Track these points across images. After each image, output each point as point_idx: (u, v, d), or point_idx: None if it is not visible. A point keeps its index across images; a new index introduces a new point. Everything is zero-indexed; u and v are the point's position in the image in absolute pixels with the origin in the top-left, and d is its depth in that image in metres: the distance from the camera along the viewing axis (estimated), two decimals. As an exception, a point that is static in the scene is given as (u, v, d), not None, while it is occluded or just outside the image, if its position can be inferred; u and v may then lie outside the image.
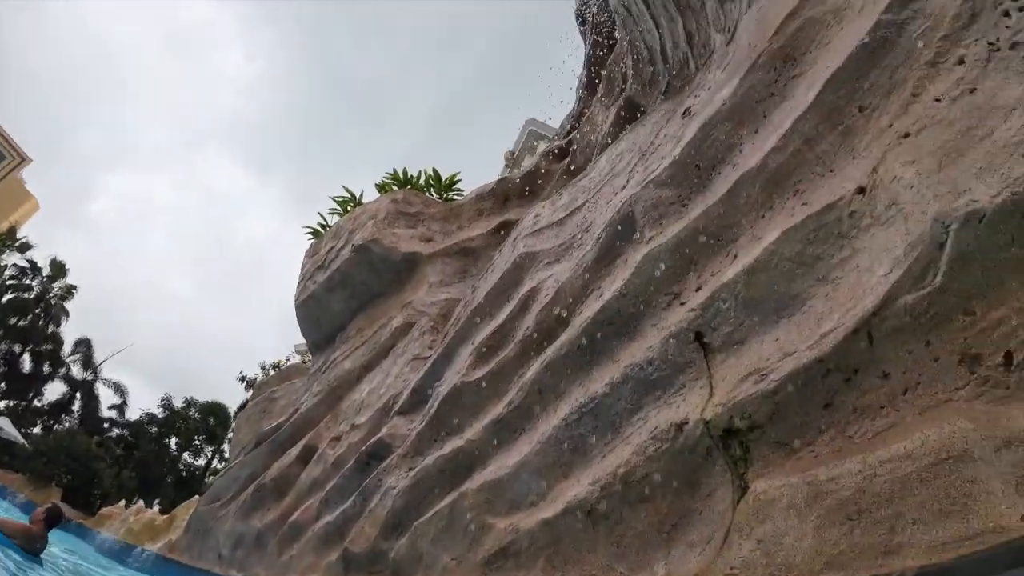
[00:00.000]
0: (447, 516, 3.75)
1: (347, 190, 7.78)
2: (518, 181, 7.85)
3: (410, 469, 4.47)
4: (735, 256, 2.65)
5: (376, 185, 7.82)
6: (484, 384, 4.01)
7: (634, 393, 2.66)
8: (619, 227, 3.37)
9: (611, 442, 2.70)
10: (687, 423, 2.29)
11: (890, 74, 2.56)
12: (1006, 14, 2.20)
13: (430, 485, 4.07)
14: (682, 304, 2.71)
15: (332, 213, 7.85)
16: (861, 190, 2.35)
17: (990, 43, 2.21)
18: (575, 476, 2.80)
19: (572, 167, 7.35)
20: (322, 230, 7.85)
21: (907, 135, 2.33)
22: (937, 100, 2.29)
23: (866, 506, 1.68)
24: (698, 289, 2.69)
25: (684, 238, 2.88)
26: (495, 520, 3.28)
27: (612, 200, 4.02)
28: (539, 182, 7.61)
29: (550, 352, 3.32)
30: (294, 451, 6.54)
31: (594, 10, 7.68)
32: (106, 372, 31.63)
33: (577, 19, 8.89)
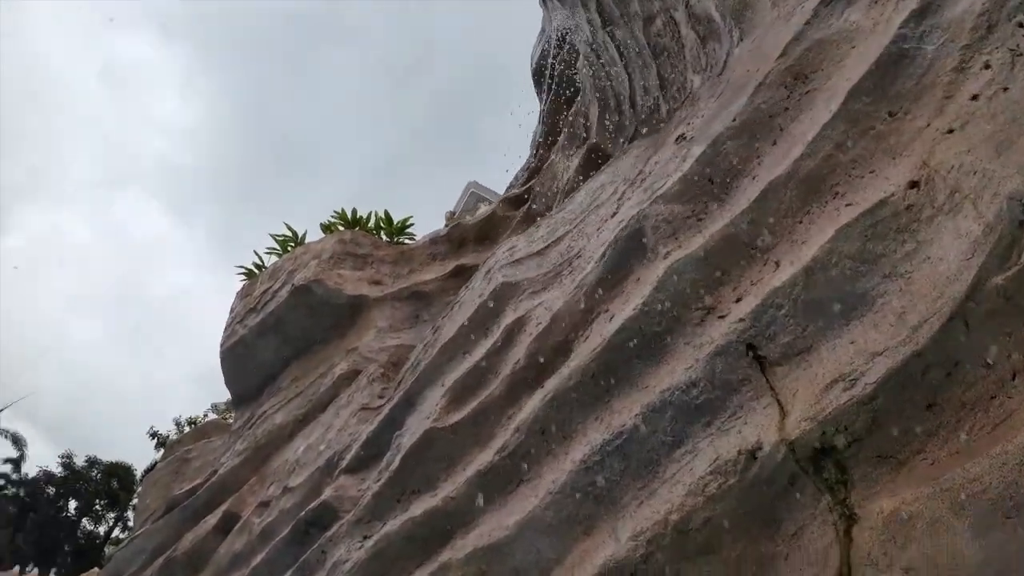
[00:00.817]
0: (422, 593, 3.08)
1: (289, 228, 7.16)
2: (473, 226, 7.56)
3: (365, 537, 3.73)
4: (776, 263, 2.40)
5: (321, 225, 7.24)
6: (462, 430, 3.45)
7: (675, 423, 2.25)
8: (626, 245, 3.06)
9: (648, 485, 2.24)
10: (761, 448, 1.90)
11: (916, 81, 2.56)
12: (1020, 25, 2.22)
13: (395, 556, 3.36)
14: (721, 317, 2.38)
15: (270, 253, 7.14)
16: (914, 184, 2.23)
17: (1011, 49, 2.24)
18: (605, 531, 2.29)
19: (532, 214, 7.16)
20: (257, 271, 7.10)
21: (951, 131, 2.31)
22: (973, 98, 2.28)
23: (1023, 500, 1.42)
24: (738, 300, 2.39)
25: (712, 249, 2.61)
26: (496, 593, 2.67)
27: (602, 227, 3.75)
28: (496, 228, 7.35)
29: (553, 385, 2.87)
30: (212, 519, 5.51)
31: (558, 65, 7.79)
32: (2, 422, 27.60)
33: (534, 76, 9.02)
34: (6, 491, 27.15)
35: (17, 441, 27.63)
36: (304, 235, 7.23)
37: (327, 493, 4.35)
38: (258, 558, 4.68)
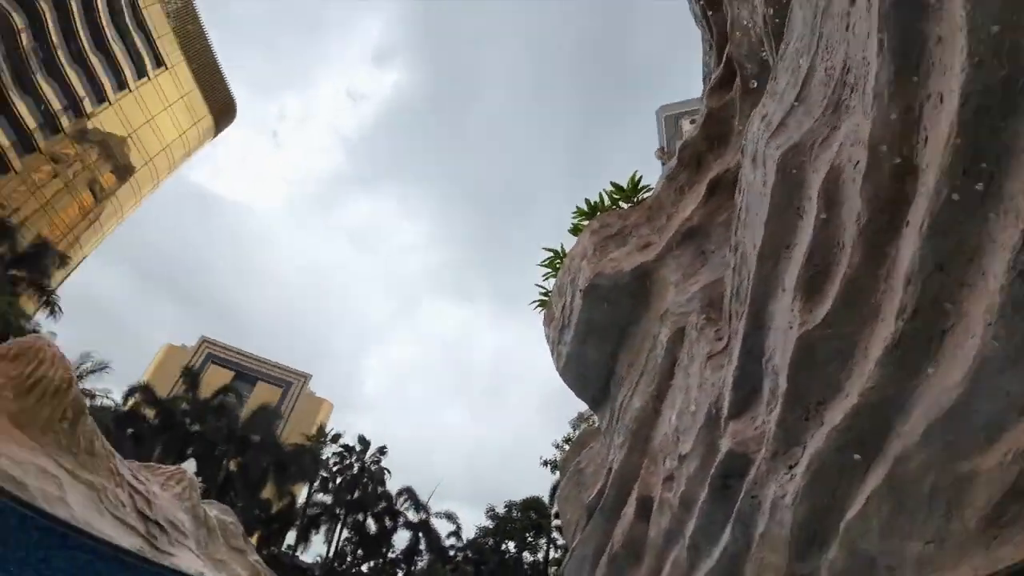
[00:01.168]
0: (890, 495, 2.74)
1: (548, 249, 7.59)
2: (699, 136, 6.97)
3: (791, 467, 3.52)
4: None
5: (569, 230, 7.52)
6: (838, 319, 3.05)
7: None
8: (902, 15, 2.39)
9: None
10: None
11: None
12: None
13: (837, 470, 3.09)
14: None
15: (547, 277, 7.66)
16: None
17: None
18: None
19: (748, 81, 6.31)
20: (546, 297, 7.66)
21: None
22: None
23: None
24: None
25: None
26: (978, 461, 2.23)
27: (849, 21, 3.05)
28: (723, 122, 6.65)
29: (921, 212, 2.33)
30: (628, 510, 5.90)
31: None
32: (434, 507, 36.38)
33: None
34: (458, 557, 34.83)
35: (450, 516, 36.55)
36: (562, 246, 7.58)
37: (726, 444, 4.27)
38: (690, 526, 4.76)
